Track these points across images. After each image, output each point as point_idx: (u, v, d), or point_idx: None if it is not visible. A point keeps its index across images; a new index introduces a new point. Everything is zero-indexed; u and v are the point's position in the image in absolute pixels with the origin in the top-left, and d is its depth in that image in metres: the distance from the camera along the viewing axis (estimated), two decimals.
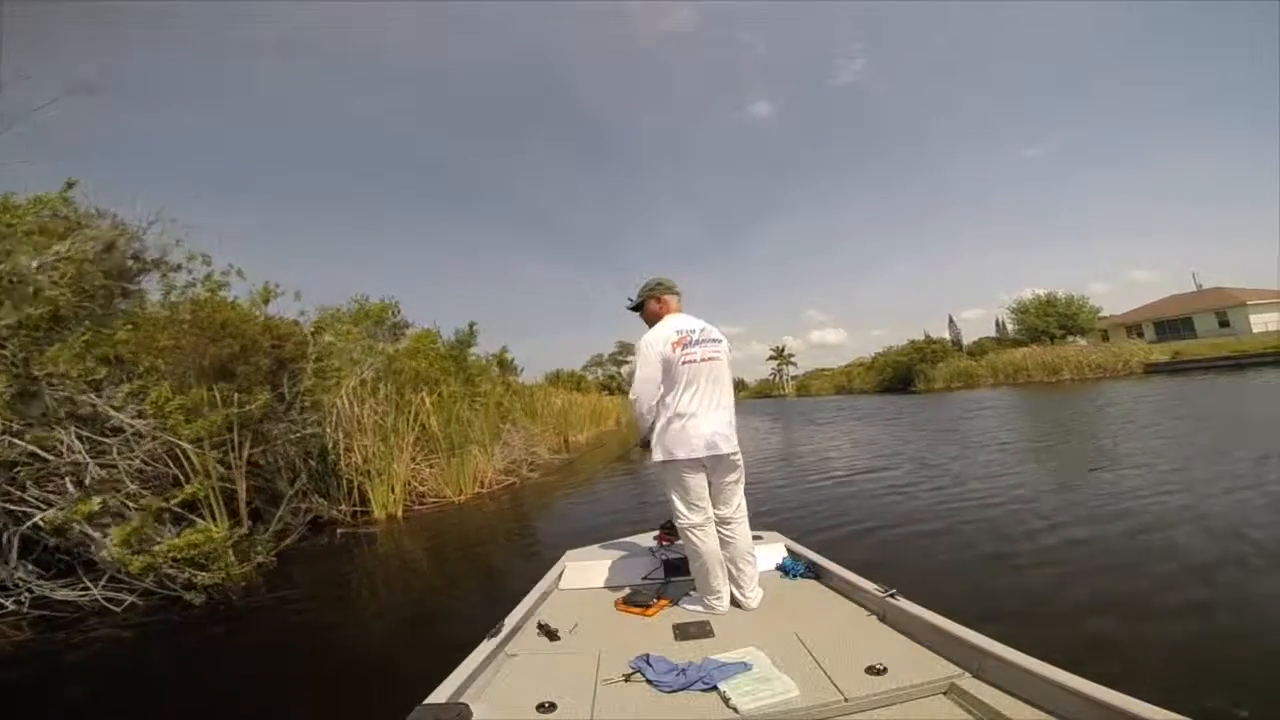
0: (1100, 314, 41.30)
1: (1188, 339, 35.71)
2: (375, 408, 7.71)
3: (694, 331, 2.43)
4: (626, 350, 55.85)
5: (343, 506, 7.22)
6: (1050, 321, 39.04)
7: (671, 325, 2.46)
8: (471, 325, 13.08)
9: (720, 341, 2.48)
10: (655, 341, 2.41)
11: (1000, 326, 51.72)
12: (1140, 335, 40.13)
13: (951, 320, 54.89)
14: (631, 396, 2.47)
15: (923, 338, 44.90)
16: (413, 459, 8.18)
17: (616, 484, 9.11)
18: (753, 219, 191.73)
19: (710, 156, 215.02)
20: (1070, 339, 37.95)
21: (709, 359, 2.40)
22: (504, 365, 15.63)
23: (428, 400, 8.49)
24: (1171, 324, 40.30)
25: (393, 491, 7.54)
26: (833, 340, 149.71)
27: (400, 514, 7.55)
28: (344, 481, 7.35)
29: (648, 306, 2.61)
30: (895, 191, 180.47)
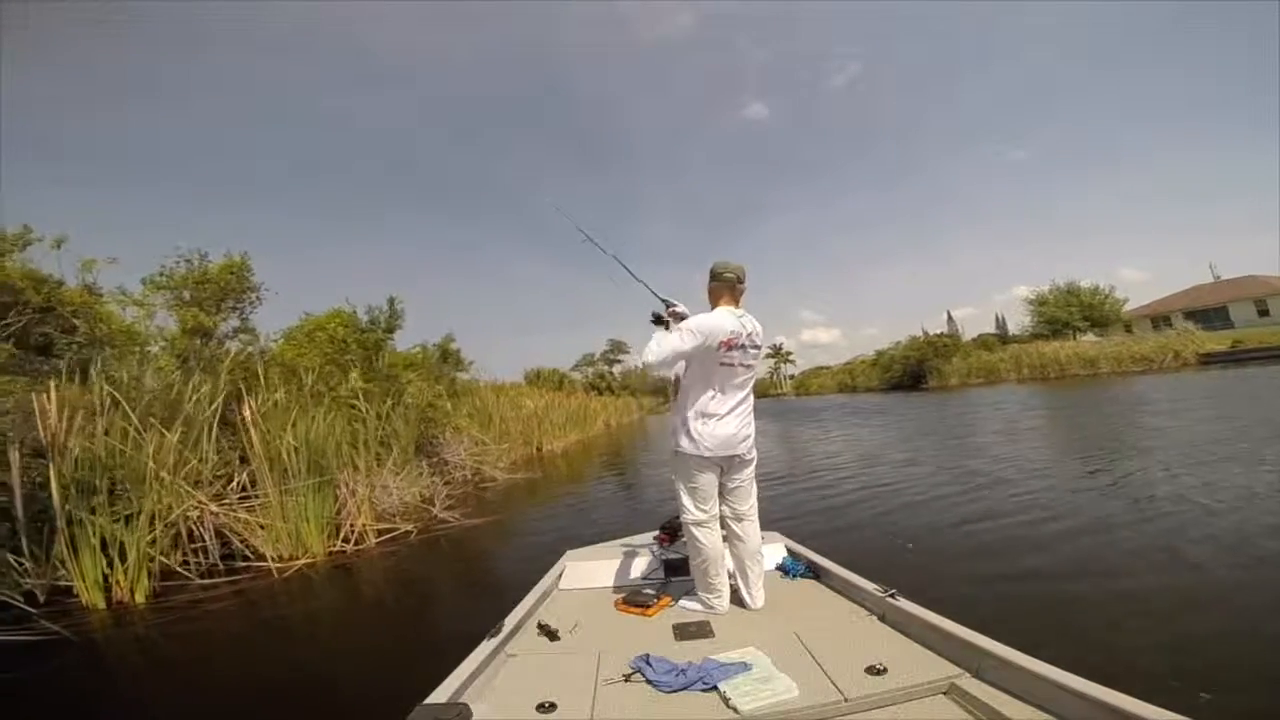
0: (1125, 304, 38.62)
1: (1222, 329, 32.96)
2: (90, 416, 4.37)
3: (741, 335, 2.30)
4: (619, 349, 52.65)
5: (44, 580, 3.98)
6: (1074, 313, 36.38)
7: (728, 324, 2.28)
8: (392, 302, 9.73)
9: (760, 349, 2.38)
10: (707, 327, 2.24)
11: (1000, 322, 50.22)
12: (1169, 326, 37.44)
13: (950, 317, 53.09)
14: (651, 354, 2.23)
15: (921, 334, 42.27)
16: (219, 496, 4.96)
17: (582, 528, 5.84)
18: (746, 219, 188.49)
19: (706, 157, 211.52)
20: (1080, 333, 34.99)
21: (747, 365, 2.33)
22: (448, 357, 12.36)
23: (250, 405, 5.20)
24: (1204, 314, 37.61)
25: (117, 560, 4.22)
26: (824, 339, 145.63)
27: (143, 597, 4.29)
28: (46, 535, 4.11)
29: (710, 291, 2.46)
30: (886, 193, 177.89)
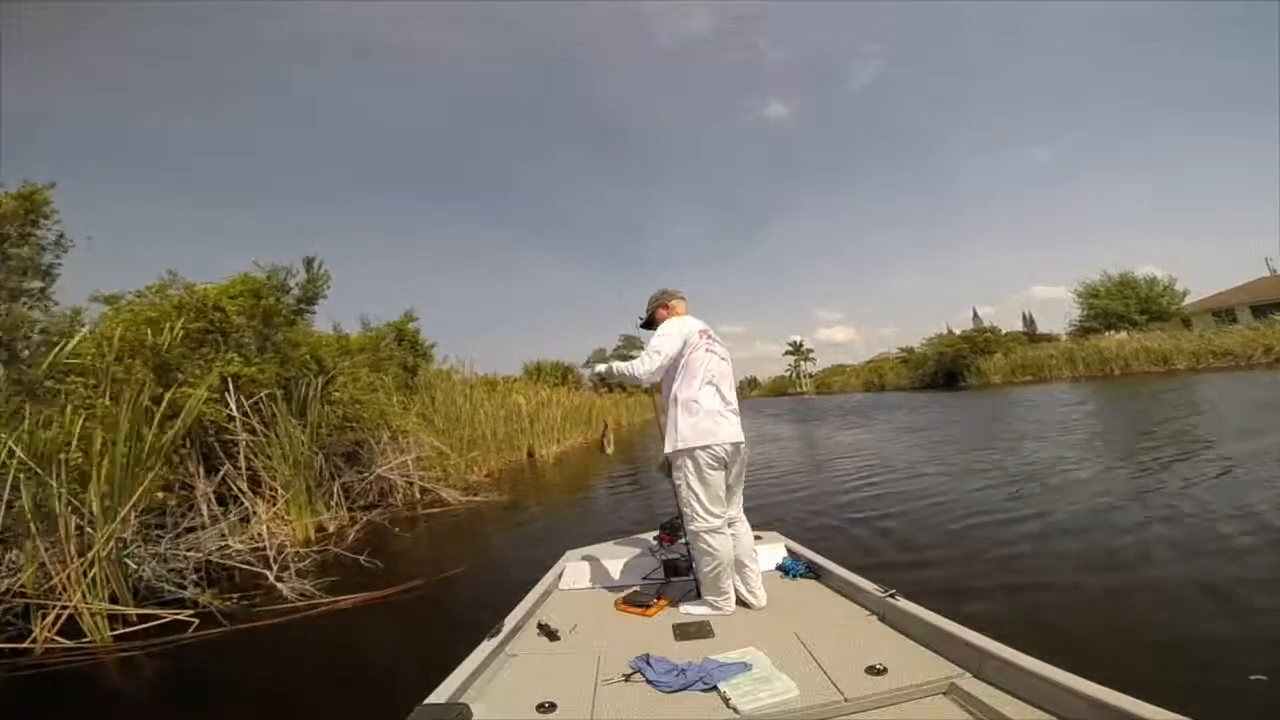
0: (1185, 297, 35.25)
1: None
2: None
3: (709, 331, 2.46)
4: (631, 344, 50.13)
5: None
6: (1130, 305, 33.16)
7: (690, 323, 2.46)
8: (310, 263, 7.19)
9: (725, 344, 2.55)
10: (679, 326, 2.41)
11: (1028, 320, 48.00)
12: (1234, 320, 33.98)
13: (976, 314, 50.30)
14: (641, 369, 2.37)
15: (948, 331, 39.65)
16: None
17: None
18: (764, 218, 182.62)
19: (724, 156, 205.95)
20: (1136, 327, 31.63)
21: (723, 358, 2.44)
22: (406, 340, 9.89)
23: None
24: (1274, 307, 34.03)
25: None
26: (841, 338, 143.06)
27: None
28: None
29: (657, 316, 2.64)
30: (904, 192, 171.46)
